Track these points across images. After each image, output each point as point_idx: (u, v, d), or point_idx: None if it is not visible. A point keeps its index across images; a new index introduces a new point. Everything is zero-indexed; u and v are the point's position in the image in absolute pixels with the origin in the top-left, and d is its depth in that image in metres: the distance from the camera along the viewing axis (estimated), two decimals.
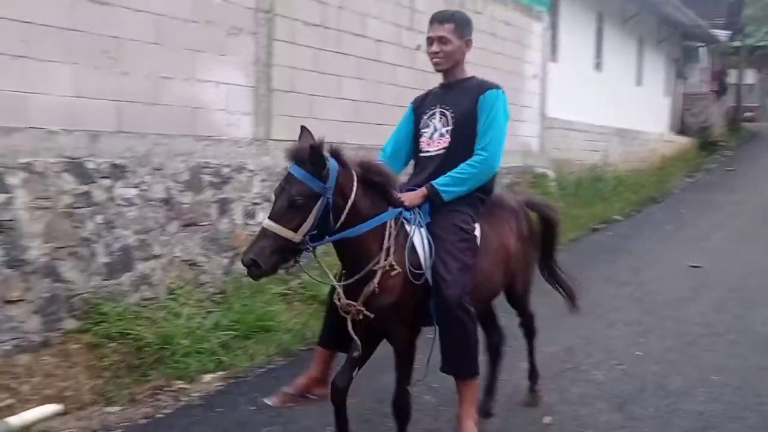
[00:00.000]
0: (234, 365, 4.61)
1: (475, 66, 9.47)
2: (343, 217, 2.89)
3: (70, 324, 4.62)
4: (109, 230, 4.94)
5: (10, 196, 4.36)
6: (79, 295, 4.68)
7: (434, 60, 3.31)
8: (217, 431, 3.50)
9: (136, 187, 5.14)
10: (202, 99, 5.74)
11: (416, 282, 3.03)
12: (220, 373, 4.49)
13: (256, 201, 6.27)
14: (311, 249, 2.89)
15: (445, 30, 3.25)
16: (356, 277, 2.97)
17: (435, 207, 3.20)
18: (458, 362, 3.14)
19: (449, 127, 3.28)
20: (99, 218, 4.89)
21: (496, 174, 3.42)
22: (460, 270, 3.07)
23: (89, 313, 4.69)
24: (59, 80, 4.68)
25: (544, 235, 4.04)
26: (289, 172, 2.82)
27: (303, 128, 3.01)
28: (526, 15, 11.48)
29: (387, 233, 3.01)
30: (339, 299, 3.04)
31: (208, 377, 4.40)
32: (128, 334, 4.53)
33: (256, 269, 2.73)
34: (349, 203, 2.89)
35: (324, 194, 2.79)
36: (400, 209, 3.09)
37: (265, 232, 2.76)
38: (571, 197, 11.92)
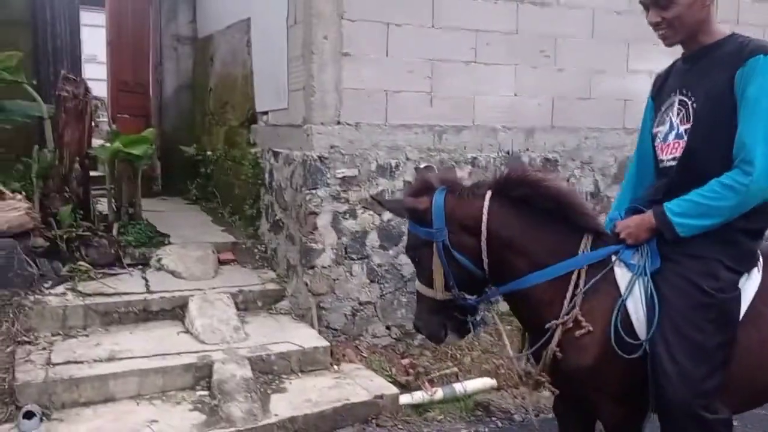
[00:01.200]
0: None
1: None
2: (486, 259, 2.22)
3: (504, 306, 5.00)
4: None
5: None
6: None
7: (658, 34, 2.23)
8: None
9: (566, 180, 5.28)
10: (633, 90, 5.57)
11: (626, 355, 2.09)
12: None
13: None
14: (477, 303, 2.35)
15: None
16: (534, 344, 2.26)
17: (665, 245, 2.14)
18: None
19: (688, 125, 2.16)
20: None
21: None
22: (691, 356, 2.02)
23: None
24: (502, 81, 5.08)
25: None
26: (408, 229, 2.43)
27: (373, 198, 2.57)
28: None
29: (574, 276, 2.19)
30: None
31: None
32: None
33: (435, 340, 2.45)
34: (483, 237, 2.21)
35: (434, 239, 2.26)
36: (612, 249, 2.19)
37: (417, 294, 2.45)
38: None
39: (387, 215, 4.65)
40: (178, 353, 3.88)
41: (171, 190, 7.53)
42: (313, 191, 4.47)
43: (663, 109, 2.29)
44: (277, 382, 3.93)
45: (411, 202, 2.34)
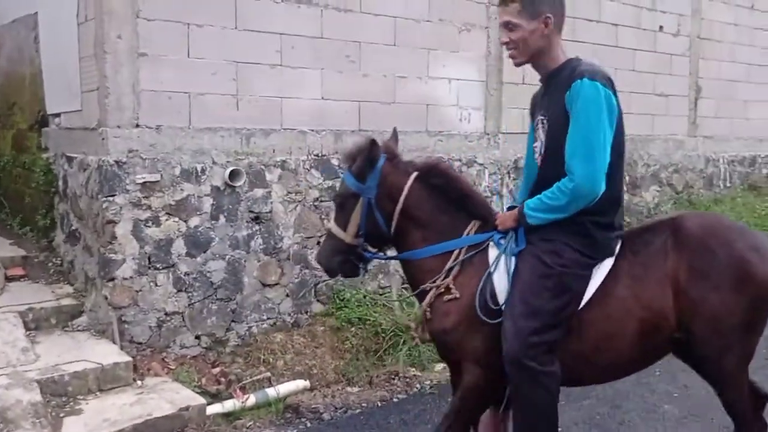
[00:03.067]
0: None
1: (731, 45, 8.77)
2: (394, 224, 2.70)
3: (317, 308, 5.07)
4: None
5: (268, 190, 4.88)
6: (324, 281, 5.10)
7: (508, 53, 2.63)
8: None
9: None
10: (434, 95, 5.89)
11: (489, 320, 2.48)
12: None
13: (486, 195, 6.29)
14: (371, 256, 2.83)
15: (509, 13, 2.51)
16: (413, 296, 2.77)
17: (531, 232, 2.57)
18: None
19: (544, 139, 2.58)
20: None
21: (620, 198, 2.59)
22: (525, 316, 2.41)
23: (333, 299, 5.10)
24: (309, 85, 5.12)
25: None
26: (342, 176, 2.87)
27: (369, 140, 2.74)
28: None
29: (456, 251, 2.65)
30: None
31: (439, 366, 4.53)
32: (367, 320, 4.84)
33: (330, 273, 2.86)
34: (398, 207, 2.68)
35: (362, 194, 2.69)
36: (489, 234, 2.63)
37: (327, 232, 2.88)
38: None
39: (194, 221, 4.51)
40: None
41: None
42: (111, 198, 4.22)
43: (536, 127, 2.65)
44: (72, 403, 3.65)
45: (371, 150, 2.68)
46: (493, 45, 6.30)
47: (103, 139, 4.26)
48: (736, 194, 8.94)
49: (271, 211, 4.89)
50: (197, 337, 4.55)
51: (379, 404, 4.00)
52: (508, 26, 2.53)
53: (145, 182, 4.33)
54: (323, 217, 5.16)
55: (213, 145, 4.65)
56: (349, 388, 4.24)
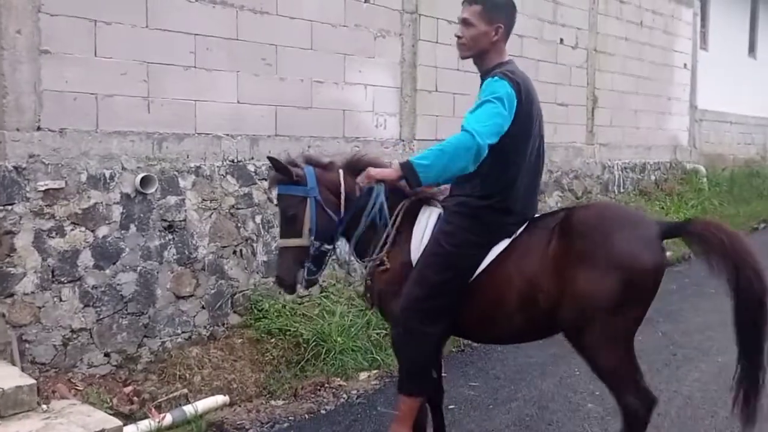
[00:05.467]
0: (388, 364, 4.66)
1: (623, 58, 9.27)
2: (343, 211, 3.05)
3: (234, 319, 4.88)
4: (267, 230, 5.16)
5: (182, 197, 4.65)
6: (241, 292, 4.93)
7: (457, 45, 2.91)
8: (381, 430, 3.54)
9: None
10: (351, 101, 5.85)
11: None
12: (375, 371, 4.55)
13: None
14: (329, 251, 3.14)
15: (470, 12, 2.82)
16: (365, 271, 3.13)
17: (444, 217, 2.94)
18: (399, 378, 3.00)
19: None
20: (258, 218, 5.13)
21: (514, 182, 2.79)
22: (418, 284, 2.84)
23: (251, 309, 4.93)
24: (224, 88, 4.94)
25: (739, 292, 2.59)
26: (277, 195, 3.13)
27: (270, 158, 3.10)
28: (675, 1, 10.81)
29: (393, 220, 3.00)
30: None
31: (364, 375, 4.47)
32: (287, 330, 4.71)
33: (282, 284, 3.11)
34: (343, 194, 3.04)
35: (309, 195, 3.00)
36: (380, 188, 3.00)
37: (280, 250, 3.15)
38: (725, 194, 11.13)
39: (102, 231, 4.22)
40: None
41: None
42: (9, 207, 3.88)
43: None
44: None
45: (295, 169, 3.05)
46: (408, 52, 6.35)
47: (0, 142, 3.91)
48: (629, 199, 9.47)
49: (185, 220, 4.67)
50: (106, 355, 4.26)
51: (307, 417, 3.88)
52: (465, 22, 2.82)
53: (47, 189, 4.01)
54: (239, 225, 4.99)
55: (122, 150, 4.38)
56: (273, 402, 4.10)
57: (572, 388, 4.17)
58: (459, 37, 2.86)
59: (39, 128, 4.03)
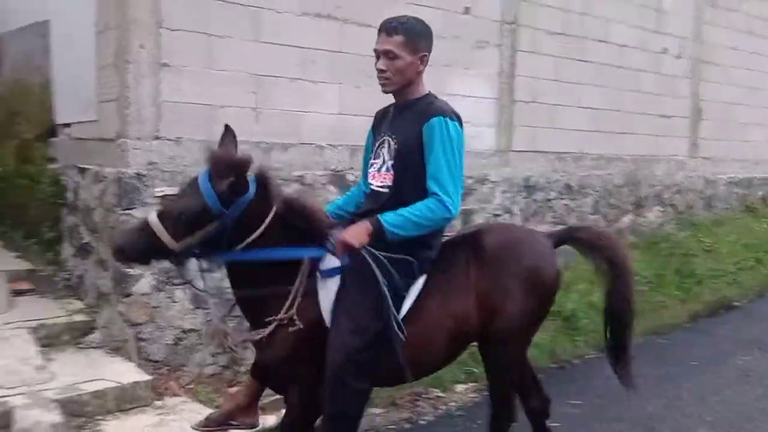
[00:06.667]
0: (483, 376, 4.60)
1: (729, 68, 8.86)
2: (239, 248, 2.52)
3: None
4: None
5: None
6: None
7: (379, 79, 2.66)
8: None
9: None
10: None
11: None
12: (472, 384, 4.50)
13: (497, 212, 6.26)
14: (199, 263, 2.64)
15: (393, 43, 2.57)
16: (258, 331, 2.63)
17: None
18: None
19: (392, 161, 2.67)
20: None
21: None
22: (351, 333, 2.51)
23: None
24: (327, 99, 5.06)
25: (611, 286, 2.96)
26: (195, 178, 2.53)
27: (227, 127, 2.67)
28: None
29: (300, 274, 2.58)
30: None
31: (461, 387, 4.44)
32: None
33: (120, 256, 2.53)
34: (249, 239, 2.51)
35: (220, 218, 2.45)
36: (324, 249, 2.60)
37: (145, 227, 2.47)
38: None
39: None
40: None
41: None
42: (129, 211, 4.10)
43: (377, 144, 2.76)
44: (91, 425, 3.51)
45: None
46: (506, 62, 6.31)
47: (122, 150, 4.15)
48: (735, 215, 9.01)
49: None
50: (213, 356, 4.42)
51: (407, 426, 3.89)
52: (388, 55, 2.59)
53: (164, 195, 4.21)
54: None
55: None
56: (372, 410, 4.13)
57: (681, 411, 3.99)
58: (382, 71, 2.61)
59: (157, 137, 4.25)
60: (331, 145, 5.10)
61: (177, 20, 4.27)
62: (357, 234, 2.52)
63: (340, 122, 5.14)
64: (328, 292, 2.59)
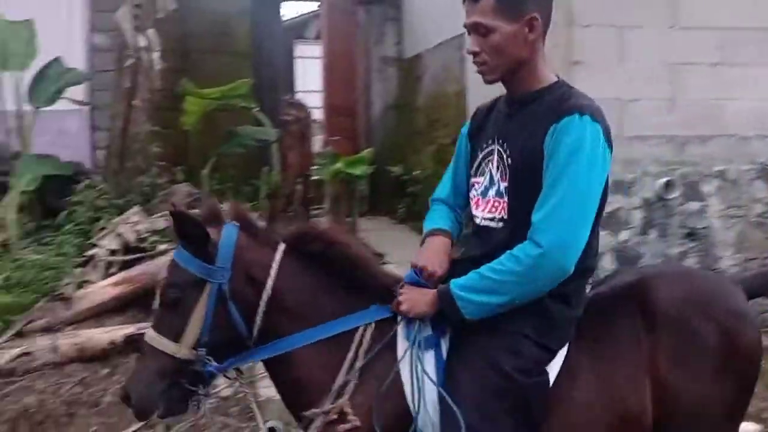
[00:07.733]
0: None
1: None
2: (258, 320, 1.77)
3: None
4: None
5: (705, 204, 4.38)
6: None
7: (476, 66, 1.76)
8: None
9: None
10: None
11: None
12: None
13: None
14: (217, 369, 1.80)
15: (480, 11, 1.68)
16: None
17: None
18: None
19: (506, 183, 1.76)
20: None
21: (593, 267, 1.80)
22: (483, 418, 1.63)
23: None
24: (753, 84, 4.48)
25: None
26: (169, 262, 1.85)
27: (172, 207, 1.85)
28: None
29: (351, 352, 1.75)
30: None
31: None
32: None
33: (129, 404, 1.79)
34: (266, 294, 1.76)
35: (211, 279, 1.75)
36: (382, 311, 1.79)
37: (144, 349, 1.81)
38: None
39: (623, 235, 4.25)
40: None
41: (377, 210, 7.62)
42: None
43: (481, 155, 1.87)
44: None
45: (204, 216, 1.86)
46: None
47: None
48: None
49: (707, 227, 4.38)
50: None
51: None
52: (478, 30, 1.70)
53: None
54: None
55: (644, 154, 4.34)
56: None
57: None
58: (475, 53, 1.73)
59: None
60: (760, 135, 4.50)
61: (588, 16, 4.24)
62: (415, 302, 1.76)
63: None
64: (415, 374, 1.71)
